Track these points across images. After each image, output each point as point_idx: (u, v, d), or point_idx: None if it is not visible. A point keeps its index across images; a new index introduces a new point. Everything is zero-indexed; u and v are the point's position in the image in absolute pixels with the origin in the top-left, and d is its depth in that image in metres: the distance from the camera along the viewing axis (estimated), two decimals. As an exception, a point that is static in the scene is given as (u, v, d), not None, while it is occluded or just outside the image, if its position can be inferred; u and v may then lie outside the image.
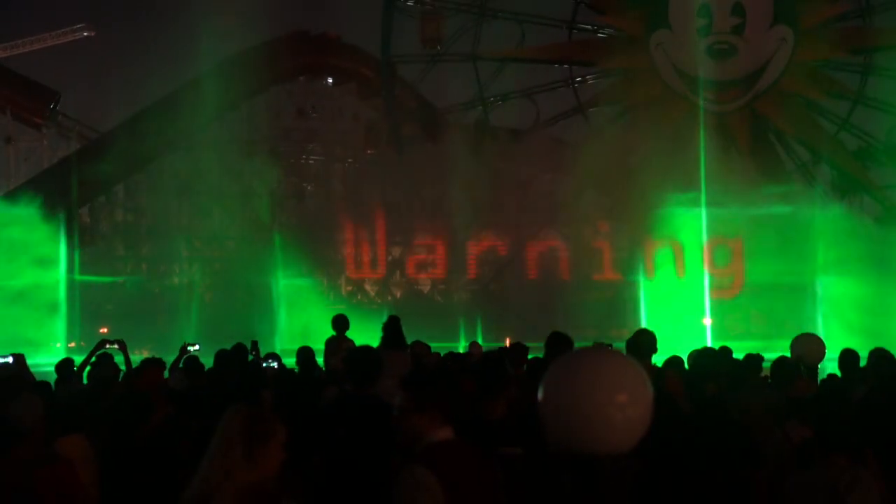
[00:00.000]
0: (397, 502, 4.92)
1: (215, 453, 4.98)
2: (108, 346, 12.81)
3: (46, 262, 38.84)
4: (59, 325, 38.67)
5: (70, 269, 39.32)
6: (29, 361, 13.15)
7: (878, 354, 10.44)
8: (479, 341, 25.86)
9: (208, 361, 12.39)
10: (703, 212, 37.69)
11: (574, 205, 41.45)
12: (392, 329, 11.90)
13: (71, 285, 39.01)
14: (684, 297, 37.95)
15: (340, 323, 13.95)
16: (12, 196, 41.81)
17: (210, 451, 5.01)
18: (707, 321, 38.14)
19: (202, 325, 36.73)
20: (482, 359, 8.58)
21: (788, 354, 11.73)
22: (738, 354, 11.96)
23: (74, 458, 6.72)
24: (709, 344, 24.55)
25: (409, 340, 13.38)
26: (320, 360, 13.64)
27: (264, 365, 13.94)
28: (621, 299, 39.21)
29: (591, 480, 4.54)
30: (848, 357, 11.16)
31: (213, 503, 4.86)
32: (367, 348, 8.62)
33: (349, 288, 47.44)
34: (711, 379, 9.01)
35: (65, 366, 12.45)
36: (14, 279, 38.27)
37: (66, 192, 39.96)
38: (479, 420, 6.75)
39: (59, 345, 37.57)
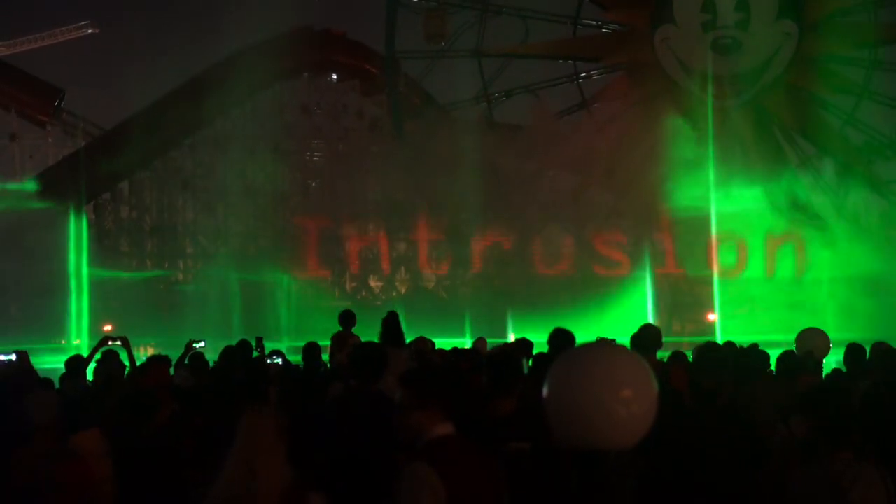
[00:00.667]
0: (400, 499, 4.94)
1: (246, 455, 4.98)
2: (110, 342, 12.84)
3: (54, 258, 38.93)
4: (68, 321, 38.73)
5: (78, 265, 39.34)
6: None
7: (883, 349, 10.43)
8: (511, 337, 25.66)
9: (213, 358, 12.42)
10: (713, 207, 37.65)
11: (579, 200, 41.50)
12: (391, 326, 11.90)
13: (78, 282, 39.03)
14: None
15: (347, 319, 13.97)
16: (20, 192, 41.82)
17: (237, 452, 5.01)
18: (713, 317, 38.15)
19: (207, 322, 36.77)
20: (494, 354, 8.58)
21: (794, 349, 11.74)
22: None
23: (91, 454, 6.75)
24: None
25: (414, 336, 13.39)
26: (325, 356, 13.66)
27: (269, 362, 13.94)
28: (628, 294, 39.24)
29: (595, 476, 4.54)
30: (853, 352, 11.15)
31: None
32: (371, 344, 8.65)
33: (353, 284, 47.50)
34: (714, 374, 9.01)
35: (74, 362, 12.45)
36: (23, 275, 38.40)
37: (72, 189, 39.94)
38: (488, 416, 6.76)
39: (63, 342, 37.62)
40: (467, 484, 4.99)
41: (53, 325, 38.38)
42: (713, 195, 37.65)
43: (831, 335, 12.60)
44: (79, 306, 38.57)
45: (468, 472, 5.04)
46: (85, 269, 39.00)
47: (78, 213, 39.78)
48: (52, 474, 6.40)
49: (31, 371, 12.18)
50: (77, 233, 39.20)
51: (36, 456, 6.61)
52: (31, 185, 42.22)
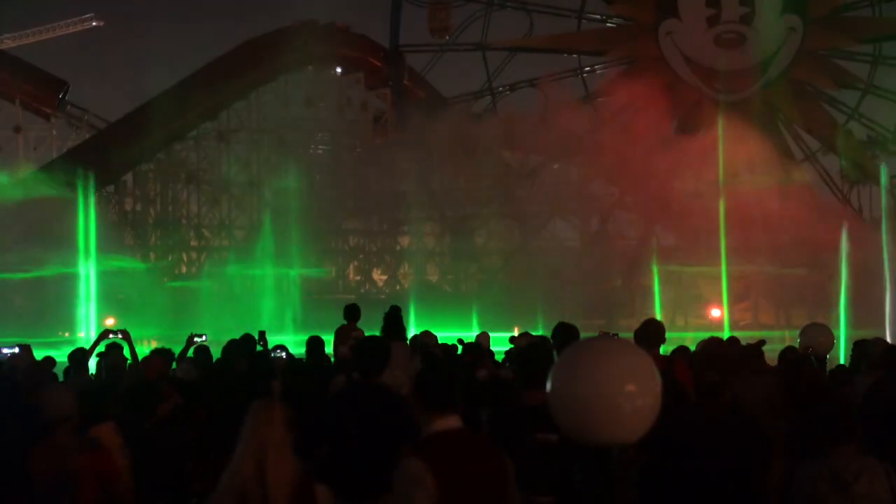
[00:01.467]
0: (395, 493, 4.98)
1: (255, 447, 5.00)
2: (111, 336, 12.83)
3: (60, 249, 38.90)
4: (74, 313, 38.71)
5: (86, 257, 39.31)
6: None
7: (886, 345, 10.42)
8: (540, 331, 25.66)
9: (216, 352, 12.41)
10: (722, 202, 37.60)
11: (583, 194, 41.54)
12: (393, 319, 11.92)
13: (86, 274, 38.99)
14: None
15: (351, 312, 13.96)
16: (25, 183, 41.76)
17: (247, 444, 5.03)
18: (718, 311, 38.14)
19: (210, 315, 36.74)
20: (526, 347, 8.61)
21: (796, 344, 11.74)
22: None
23: (112, 445, 6.81)
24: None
25: (419, 329, 13.40)
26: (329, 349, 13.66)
27: (273, 355, 13.96)
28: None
29: (599, 470, 4.54)
30: (859, 347, 11.13)
31: (274, 494, 4.92)
32: (374, 338, 8.66)
33: (357, 278, 47.56)
34: (713, 367, 9.01)
35: (78, 354, 12.45)
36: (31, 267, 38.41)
37: (76, 181, 39.92)
38: (519, 406, 6.79)
39: (67, 334, 37.60)
40: (463, 479, 5.00)
41: (58, 318, 38.39)
42: (722, 188, 37.60)
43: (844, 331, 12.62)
44: (87, 298, 38.50)
45: (465, 468, 5.06)
46: (94, 261, 38.89)
47: (85, 205, 39.76)
48: (78, 465, 6.46)
49: (50, 362, 12.18)
50: (85, 224, 39.13)
51: (57, 448, 6.67)
52: (35, 176, 42.16)
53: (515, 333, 18.14)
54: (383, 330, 11.79)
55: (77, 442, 6.76)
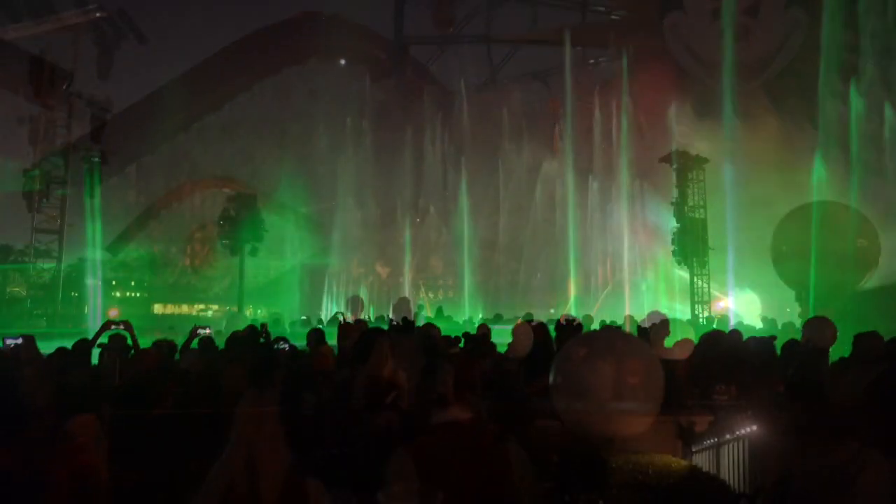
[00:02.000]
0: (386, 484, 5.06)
1: (246, 438, 5.01)
2: (113, 327, 12.85)
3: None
4: (78, 305, 38.72)
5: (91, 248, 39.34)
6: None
7: (882, 339, 10.39)
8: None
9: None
10: (729, 197, 37.49)
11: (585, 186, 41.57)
12: (401, 312, 11.97)
13: (92, 265, 39.03)
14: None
15: (355, 304, 14.01)
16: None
17: (238, 435, 5.04)
18: (721, 306, 38.08)
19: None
20: (535, 340, 8.70)
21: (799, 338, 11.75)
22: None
23: (86, 438, 6.76)
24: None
25: (422, 321, 13.41)
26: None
27: (275, 347, 13.97)
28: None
29: (594, 474, 4.55)
30: (857, 341, 11.11)
31: (263, 487, 4.93)
32: (377, 330, 8.68)
33: (360, 270, 47.57)
34: (716, 361, 9.02)
35: (81, 345, 12.45)
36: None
37: (80, 173, 39.96)
38: (523, 393, 6.83)
39: (70, 325, 37.63)
40: (455, 468, 5.02)
41: (63, 309, 38.43)
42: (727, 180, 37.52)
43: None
44: (95, 290, 38.49)
45: (459, 457, 5.08)
46: (98, 252, 38.84)
47: (91, 196, 39.79)
48: (53, 457, 6.42)
49: (36, 354, 12.16)
50: (90, 216, 39.13)
51: (35, 438, 6.62)
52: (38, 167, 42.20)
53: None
54: (391, 322, 11.83)
55: (50, 435, 6.72)
